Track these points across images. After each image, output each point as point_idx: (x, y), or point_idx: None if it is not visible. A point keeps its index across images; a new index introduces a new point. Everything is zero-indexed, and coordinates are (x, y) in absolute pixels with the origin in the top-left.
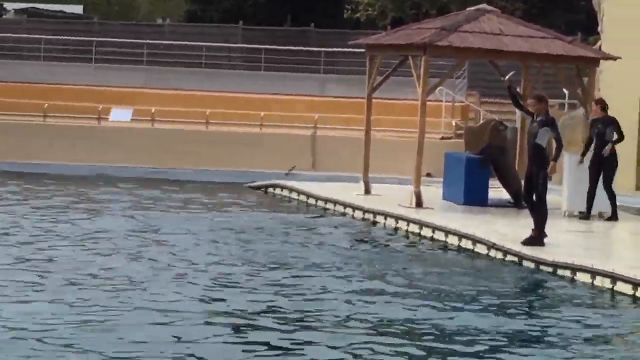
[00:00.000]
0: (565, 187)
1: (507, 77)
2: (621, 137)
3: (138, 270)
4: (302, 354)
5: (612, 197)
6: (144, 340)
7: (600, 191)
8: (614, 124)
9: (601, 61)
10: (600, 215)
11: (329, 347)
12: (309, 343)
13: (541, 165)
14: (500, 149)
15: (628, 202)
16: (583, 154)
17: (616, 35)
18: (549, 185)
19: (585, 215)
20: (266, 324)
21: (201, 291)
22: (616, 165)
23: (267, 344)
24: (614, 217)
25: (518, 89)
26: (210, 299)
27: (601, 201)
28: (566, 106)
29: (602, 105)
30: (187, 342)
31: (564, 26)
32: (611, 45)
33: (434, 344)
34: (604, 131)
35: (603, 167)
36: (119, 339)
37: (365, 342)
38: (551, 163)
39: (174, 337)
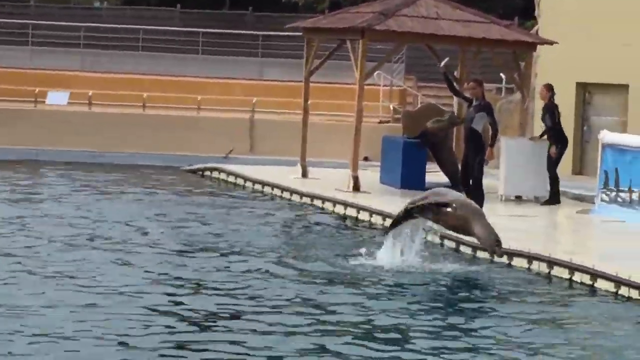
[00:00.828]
0: (502, 171)
1: (442, 63)
2: (554, 124)
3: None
4: (229, 330)
5: (553, 180)
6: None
7: (539, 175)
8: (549, 110)
9: (538, 46)
10: (537, 199)
11: (264, 332)
12: (236, 324)
13: (477, 149)
14: (438, 133)
15: (565, 187)
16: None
17: (553, 20)
18: (485, 170)
19: (555, 200)
20: (193, 306)
21: (136, 272)
22: (560, 149)
23: (195, 325)
24: (554, 200)
25: (455, 73)
26: (143, 280)
27: (539, 185)
28: (503, 91)
29: (549, 90)
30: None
31: (501, 11)
32: (548, 30)
33: (370, 326)
34: (543, 117)
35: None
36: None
37: (295, 325)
38: (488, 149)
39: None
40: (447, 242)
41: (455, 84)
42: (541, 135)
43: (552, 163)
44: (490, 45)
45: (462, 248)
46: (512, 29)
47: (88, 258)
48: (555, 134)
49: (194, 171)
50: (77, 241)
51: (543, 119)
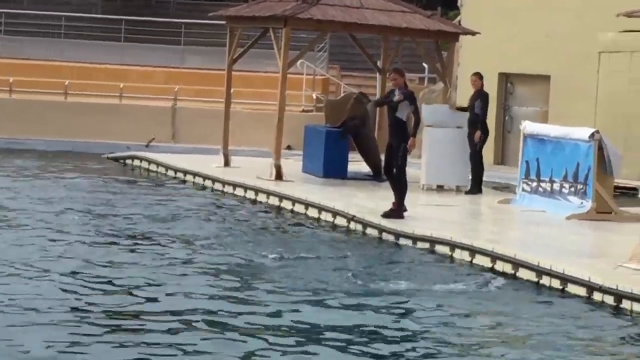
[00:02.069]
0: (424, 160)
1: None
2: (482, 113)
3: None
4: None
5: (476, 170)
6: None
7: (461, 165)
8: (482, 98)
9: (461, 36)
10: (458, 189)
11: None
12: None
13: (401, 139)
14: (361, 122)
15: (487, 177)
16: (469, 128)
17: (476, 10)
18: (409, 159)
19: (477, 190)
20: (99, 298)
21: (48, 263)
22: (482, 138)
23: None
24: (476, 190)
25: (378, 63)
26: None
27: (461, 175)
28: (426, 80)
29: (480, 78)
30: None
31: (425, 1)
32: (471, 20)
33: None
34: (472, 105)
35: (470, 140)
36: None
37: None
38: (410, 138)
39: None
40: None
41: (379, 102)
42: (462, 109)
43: (476, 152)
44: (413, 34)
45: (385, 235)
46: (435, 18)
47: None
48: (481, 123)
49: (115, 159)
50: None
51: (471, 106)
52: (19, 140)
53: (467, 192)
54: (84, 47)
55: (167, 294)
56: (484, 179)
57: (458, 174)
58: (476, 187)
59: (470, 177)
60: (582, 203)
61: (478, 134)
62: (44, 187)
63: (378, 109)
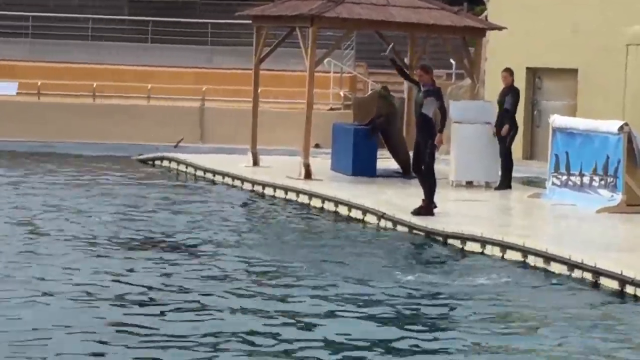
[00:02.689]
0: (453, 156)
1: (387, 51)
2: (512, 108)
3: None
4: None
5: (506, 165)
6: None
7: (490, 160)
8: (512, 93)
9: (487, 32)
10: (488, 185)
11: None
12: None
13: (428, 135)
14: (388, 119)
15: (516, 172)
16: (495, 125)
17: (502, 5)
18: (437, 155)
19: (507, 185)
20: (146, 301)
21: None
22: (511, 134)
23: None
24: (506, 185)
25: (405, 60)
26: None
27: (491, 171)
28: (453, 77)
29: (511, 74)
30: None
31: None
32: (497, 16)
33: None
34: (502, 100)
35: (500, 136)
36: None
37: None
38: (437, 135)
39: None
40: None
41: (404, 68)
42: (496, 123)
43: (506, 148)
44: (440, 31)
45: (416, 232)
46: (462, 14)
47: (28, 248)
48: (510, 118)
49: (144, 161)
50: (17, 231)
51: (501, 102)
52: (47, 143)
53: (496, 188)
54: (111, 49)
55: (206, 304)
56: (513, 174)
57: (487, 169)
58: (505, 182)
59: (500, 173)
60: (612, 196)
61: (506, 127)
62: (76, 191)
63: (406, 105)
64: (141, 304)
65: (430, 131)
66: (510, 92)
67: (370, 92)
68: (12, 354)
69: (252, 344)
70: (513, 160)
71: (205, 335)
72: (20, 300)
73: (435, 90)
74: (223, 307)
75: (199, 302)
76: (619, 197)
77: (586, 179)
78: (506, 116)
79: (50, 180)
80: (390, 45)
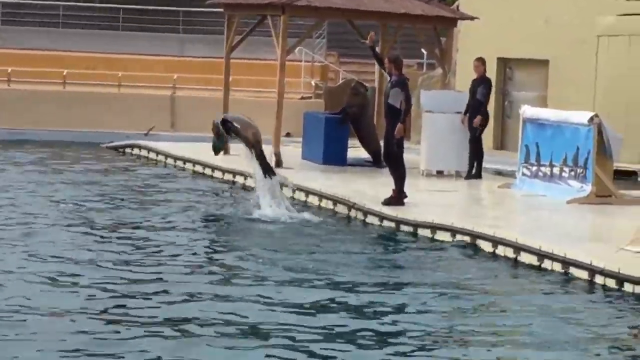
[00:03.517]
0: (424, 146)
1: (368, 40)
2: (484, 99)
3: None
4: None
5: (475, 155)
6: None
7: (460, 150)
8: (485, 83)
9: (459, 22)
10: (458, 174)
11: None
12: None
13: (395, 125)
14: (360, 108)
15: (486, 162)
16: (465, 112)
17: None
18: (407, 145)
19: (477, 175)
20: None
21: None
22: (482, 124)
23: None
24: (475, 175)
25: (377, 49)
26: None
27: (461, 160)
28: (425, 66)
29: (483, 64)
30: None
31: None
32: (469, 6)
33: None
34: (474, 90)
35: (470, 125)
36: None
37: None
38: (398, 125)
39: None
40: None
41: (382, 59)
42: (465, 112)
43: (475, 137)
44: (411, 20)
45: (386, 222)
46: (433, 4)
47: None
48: (483, 108)
49: (114, 148)
50: None
51: (473, 92)
52: (18, 131)
53: (465, 177)
54: (83, 37)
55: (184, 293)
56: (484, 164)
57: (458, 159)
58: (476, 172)
59: (468, 162)
60: (582, 187)
61: (478, 119)
62: (44, 178)
63: (376, 94)
64: (101, 288)
65: (397, 121)
66: (482, 83)
67: (341, 81)
68: None
69: (226, 332)
70: (483, 150)
71: (174, 320)
72: None
73: (400, 81)
74: (188, 293)
75: (163, 288)
76: (588, 188)
77: (556, 170)
78: (478, 107)
79: (17, 167)
80: (371, 33)
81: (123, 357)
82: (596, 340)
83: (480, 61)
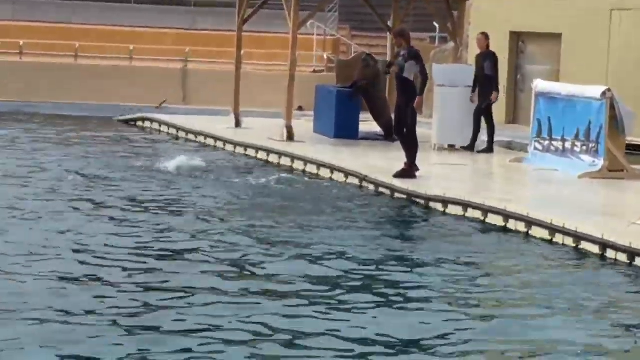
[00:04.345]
0: (435, 120)
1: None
2: (494, 73)
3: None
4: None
5: (489, 128)
6: None
7: (471, 125)
8: (491, 58)
9: None
10: (451, 147)
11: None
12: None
13: (409, 98)
14: (371, 81)
15: (497, 136)
16: (472, 89)
17: None
18: (419, 119)
19: (470, 148)
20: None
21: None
22: (491, 98)
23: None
24: (489, 149)
25: (389, 23)
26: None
27: (458, 134)
28: (437, 40)
29: (487, 38)
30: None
31: None
32: None
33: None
34: (482, 65)
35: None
36: None
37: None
38: (417, 97)
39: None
40: None
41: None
42: (473, 88)
43: (481, 110)
44: None
45: (397, 195)
46: None
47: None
48: (495, 83)
49: (125, 121)
50: None
51: (481, 67)
52: (30, 103)
53: (465, 148)
54: (95, 9)
55: (197, 271)
56: (496, 138)
57: (469, 133)
58: (488, 146)
59: (471, 136)
60: (593, 161)
61: (495, 95)
62: (56, 151)
63: None
64: (108, 259)
65: (411, 94)
66: (488, 57)
67: (353, 54)
68: None
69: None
70: (494, 124)
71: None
72: None
73: (413, 53)
74: (199, 268)
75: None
76: (600, 162)
77: (568, 144)
78: (489, 82)
79: (29, 140)
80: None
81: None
82: (605, 313)
83: (484, 35)
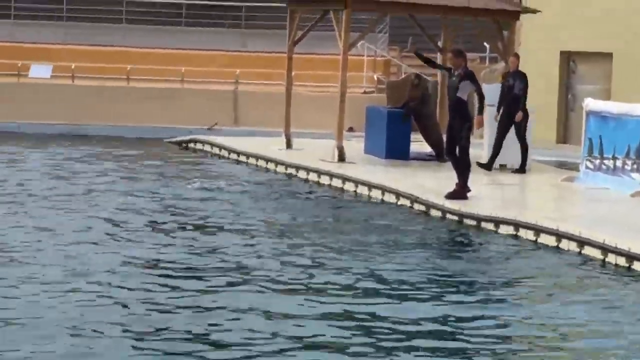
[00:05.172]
0: (486, 140)
1: (409, 46)
2: (524, 93)
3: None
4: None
5: (524, 148)
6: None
7: (509, 143)
8: (522, 78)
9: (522, 15)
10: (503, 167)
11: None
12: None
13: (463, 118)
14: (421, 101)
15: (549, 155)
16: (498, 108)
17: None
18: (471, 139)
19: (487, 166)
20: (185, 283)
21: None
22: (526, 117)
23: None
24: (521, 169)
25: (439, 43)
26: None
27: (508, 154)
28: (487, 60)
29: (518, 58)
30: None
31: None
32: None
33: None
34: (512, 84)
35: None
36: None
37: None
38: (476, 117)
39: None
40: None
41: (429, 59)
42: (499, 108)
43: (523, 131)
44: (473, 14)
45: (449, 216)
46: None
47: (64, 232)
48: (523, 103)
49: (177, 143)
50: (50, 214)
51: (510, 86)
52: (81, 126)
53: (515, 171)
54: (145, 32)
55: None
56: (547, 158)
57: (506, 152)
58: (521, 167)
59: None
60: None
61: (520, 115)
62: (109, 173)
63: (439, 88)
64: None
65: (465, 115)
66: (519, 77)
67: (403, 75)
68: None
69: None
70: (528, 145)
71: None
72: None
73: (469, 74)
74: (256, 290)
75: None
76: None
77: (619, 163)
78: (517, 101)
79: (82, 163)
80: (410, 40)
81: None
82: None
83: (516, 56)
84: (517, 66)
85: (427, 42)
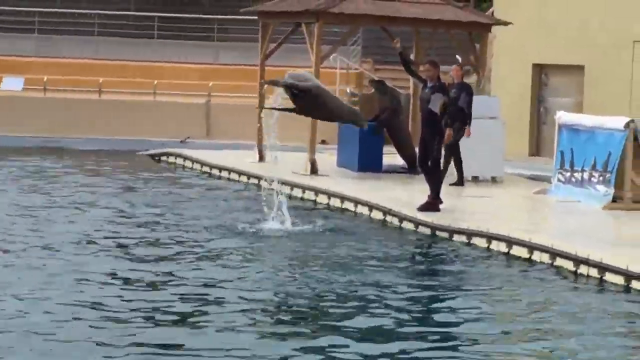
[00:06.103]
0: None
1: (396, 43)
2: (469, 107)
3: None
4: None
5: (456, 161)
6: None
7: (494, 155)
8: (468, 90)
9: (494, 27)
10: (494, 180)
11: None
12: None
13: (434, 131)
14: (393, 112)
15: (522, 168)
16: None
17: (508, 1)
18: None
19: (459, 183)
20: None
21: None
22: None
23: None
24: (459, 181)
25: (411, 56)
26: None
27: (496, 166)
28: None
29: (462, 68)
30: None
31: None
32: (503, 11)
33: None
34: (457, 96)
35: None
36: None
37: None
38: (447, 130)
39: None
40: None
41: (410, 64)
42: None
43: (455, 143)
44: (446, 26)
45: (421, 228)
46: (467, 10)
47: (34, 244)
48: (469, 116)
49: (150, 156)
50: (18, 228)
51: (455, 99)
52: (53, 139)
53: (451, 184)
54: (118, 45)
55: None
56: (520, 171)
57: (493, 164)
58: (459, 179)
59: (504, 169)
60: (607, 191)
61: (469, 130)
62: (79, 186)
63: (411, 100)
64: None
65: (437, 127)
66: (464, 89)
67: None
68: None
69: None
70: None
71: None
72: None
73: (441, 86)
74: (233, 304)
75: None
76: (612, 192)
77: (586, 175)
78: (461, 114)
79: (53, 175)
80: (395, 40)
81: None
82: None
83: (460, 67)
84: (462, 77)
85: (398, 54)
